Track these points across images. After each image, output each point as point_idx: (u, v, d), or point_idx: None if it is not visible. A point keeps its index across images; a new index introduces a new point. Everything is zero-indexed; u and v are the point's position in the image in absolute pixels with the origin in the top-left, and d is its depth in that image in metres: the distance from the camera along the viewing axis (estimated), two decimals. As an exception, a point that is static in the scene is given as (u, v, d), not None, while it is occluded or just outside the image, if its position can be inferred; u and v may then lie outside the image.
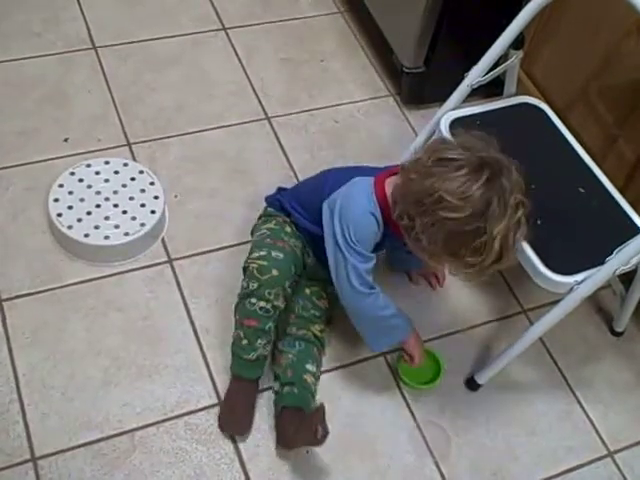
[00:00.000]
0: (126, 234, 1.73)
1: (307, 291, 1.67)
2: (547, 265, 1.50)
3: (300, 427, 1.47)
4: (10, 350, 1.60)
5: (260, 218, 1.71)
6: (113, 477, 1.48)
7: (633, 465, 1.66)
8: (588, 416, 1.72)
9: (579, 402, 1.74)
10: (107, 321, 1.68)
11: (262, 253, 1.55)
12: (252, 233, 1.69)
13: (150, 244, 1.79)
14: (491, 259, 1.33)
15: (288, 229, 1.63)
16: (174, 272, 1.77)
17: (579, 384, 1.76)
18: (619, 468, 1.65)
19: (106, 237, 1.72)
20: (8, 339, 1.62)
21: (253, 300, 1.52)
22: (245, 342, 1.53)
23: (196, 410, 1.58)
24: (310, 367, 1.59)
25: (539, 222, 1.58)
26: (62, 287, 1.71)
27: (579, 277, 1.49)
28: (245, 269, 1.57)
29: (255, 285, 1.52)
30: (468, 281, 1.69)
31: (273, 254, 1.55)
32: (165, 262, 1.78)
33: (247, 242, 1.73)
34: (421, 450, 1.61)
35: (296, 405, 1.53)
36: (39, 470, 1.47)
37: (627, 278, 1.65)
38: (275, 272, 1.52)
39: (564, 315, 1.52)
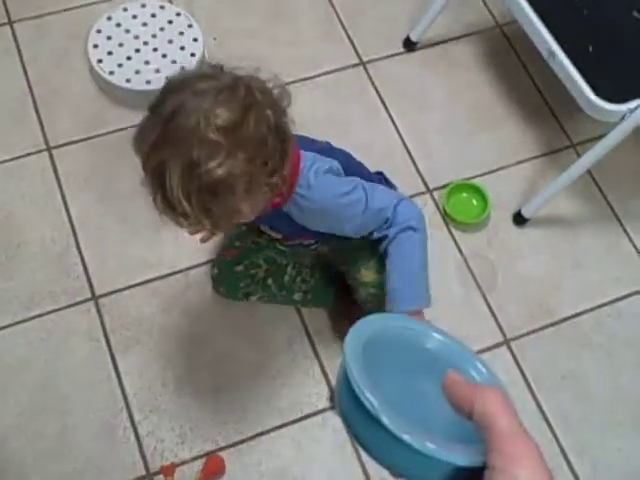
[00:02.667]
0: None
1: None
2: (597, 93, 1.46)
3: None
4: (63, 197, 1.64)
5: None
6: (170, 313, 1.55)
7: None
8: (636, 248, 1.72)
9: (628, 235, 1.73)
10: (155, 166, 1.69)
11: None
12: None
13: (192, 88, 1.78)
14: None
15: (244, 227, 1.50)
16: (218, 115, 1.76)
17: (628, 217, 1.75)
18: (668, 296, 1.67)
19: (148, 82, 1.71)
20: (60, 186, 1.65)
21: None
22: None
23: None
24: None
25: (590, 49, 1.53)
26: (108, 133, 1.72)
27: (632, 105, 1.45)
28: None
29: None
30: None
31: (212, 273, 1.52)
32: (208, 106, 1.77)
33: (292, 82, 1.72)
34: (468, 283, 1.64)
35: None
36: (100, 307, 1.54)
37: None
38: (222, 289, 1.51)
39: (614, 145, 1.49)
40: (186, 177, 1.01)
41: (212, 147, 1.01)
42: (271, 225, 1.37)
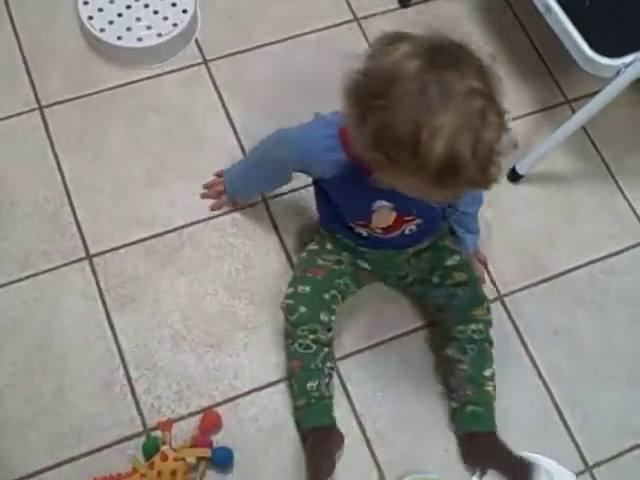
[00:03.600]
0: (159, 35, 1.70)
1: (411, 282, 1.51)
2: (593, 47, 1.45)
3: (490, 453, 1.40)
4: (56, 155, 1.63)
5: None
6: (165, 271, 1.55)
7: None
8: (631, 205, 1.72)
9: (622, 191, 1.73)
10: (147, 124, 1.68)
11: (289, 290, 1.44)
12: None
13: (184, 45, 1.76)
14: (435, 164, 1.02)
15: (329, 245, 1.47)
16: (210, 73, 1.75)
17: (622, 173, 1.75)
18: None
19: (139, 39, 1.70)
20: (52, 145, 1.64)
21: (290, 340, 1.43)
22: (295, 387, 1.42)
23: (242, 207, 1.62)
24: (488, 372, 1.42)
25: (587, 3, 1.51)
26: (100, 92, 1.70)
27: (627, 59, 1.44)
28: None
29: (288, 325, 1.43)
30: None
31: (299, 289, 1.43)
32: (200, 63, 1.75)
33: (285, 39, 1.73)
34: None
35: (487, 430, 1.40)
36: (95, 266, 1.54)
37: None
38: (303, 309, 1.40)
39: (610, 100, 1.49)
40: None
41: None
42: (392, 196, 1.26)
